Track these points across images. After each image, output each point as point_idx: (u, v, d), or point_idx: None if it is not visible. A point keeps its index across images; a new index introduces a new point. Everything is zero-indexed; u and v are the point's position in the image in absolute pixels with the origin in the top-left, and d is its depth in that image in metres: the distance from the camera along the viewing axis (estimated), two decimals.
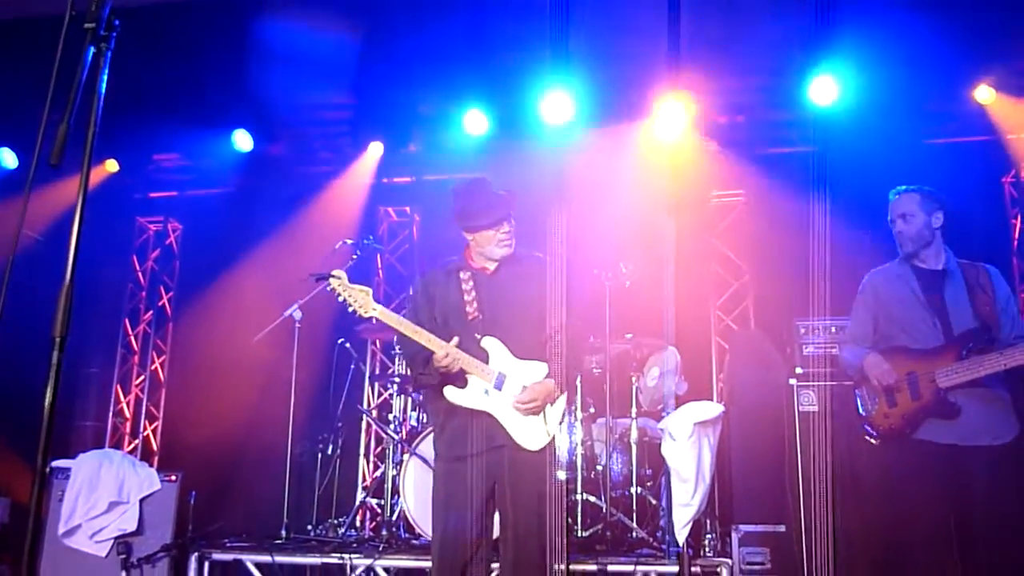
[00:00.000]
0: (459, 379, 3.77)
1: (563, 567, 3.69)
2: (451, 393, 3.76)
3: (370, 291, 3.74)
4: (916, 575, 3.75)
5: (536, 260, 3.97)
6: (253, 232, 7.23)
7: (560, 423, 3.87)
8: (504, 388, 3.78)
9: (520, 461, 3.74)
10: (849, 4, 5.36)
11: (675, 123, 6.69)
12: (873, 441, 3.93)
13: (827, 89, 6.17)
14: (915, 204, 4.01)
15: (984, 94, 6.23)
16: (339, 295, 3.71)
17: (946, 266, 3.99)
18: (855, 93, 6.23)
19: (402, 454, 5.65)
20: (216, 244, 7.47)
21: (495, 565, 3.89)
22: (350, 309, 3.71)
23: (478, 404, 3.77)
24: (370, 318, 3.76)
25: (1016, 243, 7.01)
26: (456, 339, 3.70)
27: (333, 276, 3.72)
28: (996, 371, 3.73)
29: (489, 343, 3.82)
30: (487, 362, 3.80)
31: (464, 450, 3.75)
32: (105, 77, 2.13)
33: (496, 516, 3.83)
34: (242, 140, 7.09)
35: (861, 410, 3.97)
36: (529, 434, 3.76)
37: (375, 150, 7.16)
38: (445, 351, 3.66)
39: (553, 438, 3.79)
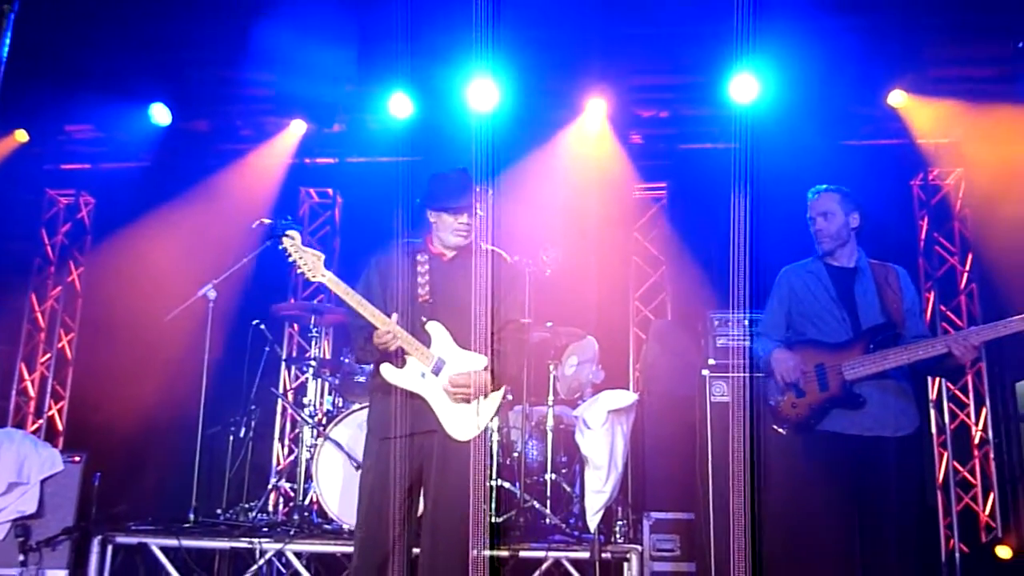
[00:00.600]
0: (398, 358, 3.76)
1: (485, 555, 3.72)
2: (387, 371, 3.75)
3: (322, 256, 3.70)
4: (821, 563, 3.84)
5: (495, 256, 3.98)
6: (169, 209, 7.04)
7: (492, 418, 3.88)
8: (441, 374, 3.77)
9: (449, 449, 3.75)
10: (771, 4, 5.45)
11: (599, 115, 6.73)
12: (781, 431, 4.02)
13: (748, 87, 6.27)
14: (835, 203, 4.11)
15: (897, 98, 6.40)
16: (289, 255, 3.65)
17: (857, 264, 4.11)
18: (776, 92, 6.36)
19: (316, 438, 5.58)
20: (130, 220, 7.24)
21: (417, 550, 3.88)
22: (298, 271, 3.68)
23: (413, 386, 3.76)
24: (315, 284, 3.78)
25: (923, 244, 7.26)
26: (396, 315, 3.70)
27: (287, 235, 3.68)
28: (901, 365, 3.86)
29: (433, 327, 3.81)
30: (429, 346, 3.79)
31: (395, 430, 3.74)
32: (7, 40, 2.02)
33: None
34: (160, 114, 6.89)
35: (770, 400, 4.06)
36: (459, 423, 3.76)
37: (297, 128, 7.03)
38: (387, 327, 3.66)
39: (485, 432, 3.79)
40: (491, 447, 5.41)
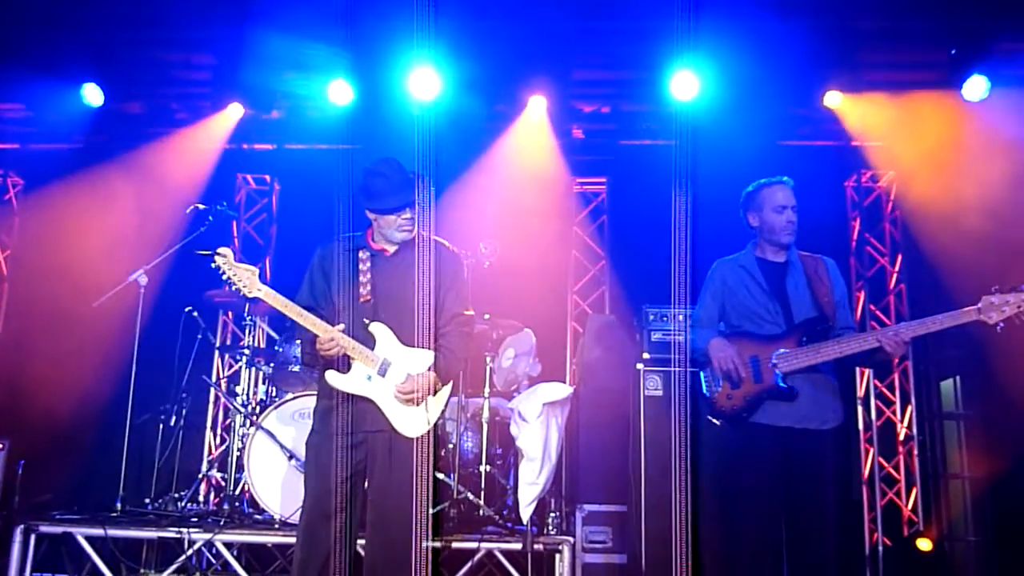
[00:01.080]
0: (343, 363, 3.75)
1: (430, 547, 3.73)
2: (332, 378, 3.74)
3: (256, 271, 3.69)
4: (750, 553, 3.91)
5: (438, 247, 3.96)
6: (100, 191, 6.86)
7: (441, 413, 3.89)
8: (388, 375, 3.76)
9: (397, 446, 3.74)
10: (713, 2, 5.51)
11: (541, 109, 6.74)
12: (715, 422, 4.08)
13: (689, 84, 6.31)
14: (793, 196, 4.17)
15: (833, 99, 6.51)
16: (223, 273, 3.65)
17: (788, 258, 4.18)
18: (716, 90, 6.40)
19: (249, 428, 5.51)
20: (60, 202, 7.05)
21: (361, 541, 3.86)
22: (233, 288, 3.67)
23: (359, 390, 3.75)
24: (255, 299, 3.70)
25: (854, 244, 7.42)
26: (342, 325, 3.69)
27: (219, 253, 3.65)
28: (832, 359, 3.94)
29: (377, 328, 3.79)
30: (373, 347, 3.77)
31: (340, 427, 3.74)
32: None
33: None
34: (92, 94, 6.70)
35: (705, 391, 4.10)
36: (408, 422, 3.76)
37: (234, 111, 6.87)
38: (328, 335, 3.65)
39: (434, 427, 3.80)
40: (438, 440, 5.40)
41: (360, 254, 3.87)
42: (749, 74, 6.34)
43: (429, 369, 3.80)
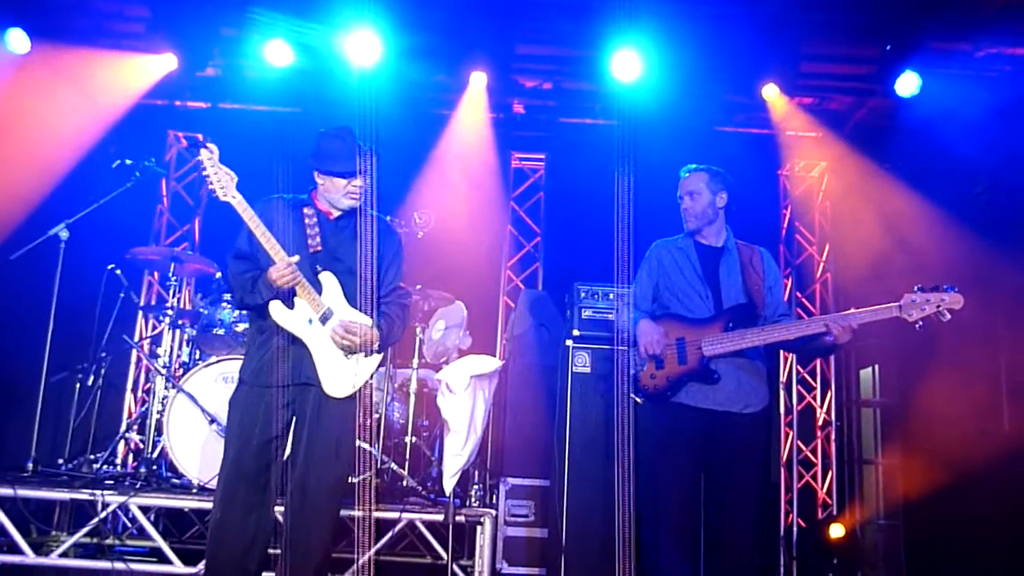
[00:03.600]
0: (287, 300, 3.71)
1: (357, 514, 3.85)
2: (277, 310, 3.69)
3: (236, 178, 3.60)
4: (668, 530, 3.95)
5: (380, 221, 3.95)
6: (21, 140, 6.59)
7: (368, 380, 3.86)
8: (327, 324, 3.74)
9: (324, 405, 3.73)
10: None
11: (482, 81, 6.68)
12: (638, 400, 4.12)
13: (631, 65, 6.31)
14: (703, 183, 4.20)
15: (769, 91, 6.58)
16: (204, 169, 3.58)
17: (725, 244, 4.22)
18: (657, 73, 6.41)
19: (170, 390, 5.39)
20: None
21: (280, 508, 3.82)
22: (210, 187, 3.57)
23: (299, 330, 3.71)
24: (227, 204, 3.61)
25: (784, 232, 7.57)
26: (297, 256, 3.63)
27: (206, 147, 3.58)
28: (756, 345, 4.00)
29: (326, 279, 3.78)
30: (320, 295, 3.75)
31: (269, 379, 3.69)
32: None
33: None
34: (17, 40, 6.43)
35: (632, 369, 4.14)
36: (336, 379, 3.74)
37: (167, 62, 6.62)
38: (287, 261, 3.58)
39: (359, 393, 3.79)
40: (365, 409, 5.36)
41: (305, 210, 3.84)
42: (690, 58, 6.36)
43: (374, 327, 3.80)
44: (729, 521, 3.96)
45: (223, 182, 3.58)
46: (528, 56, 6.82)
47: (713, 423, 3.99)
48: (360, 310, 3.80)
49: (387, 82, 6.51)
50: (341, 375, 3.75)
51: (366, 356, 3.80)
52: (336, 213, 3.89)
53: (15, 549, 4.73)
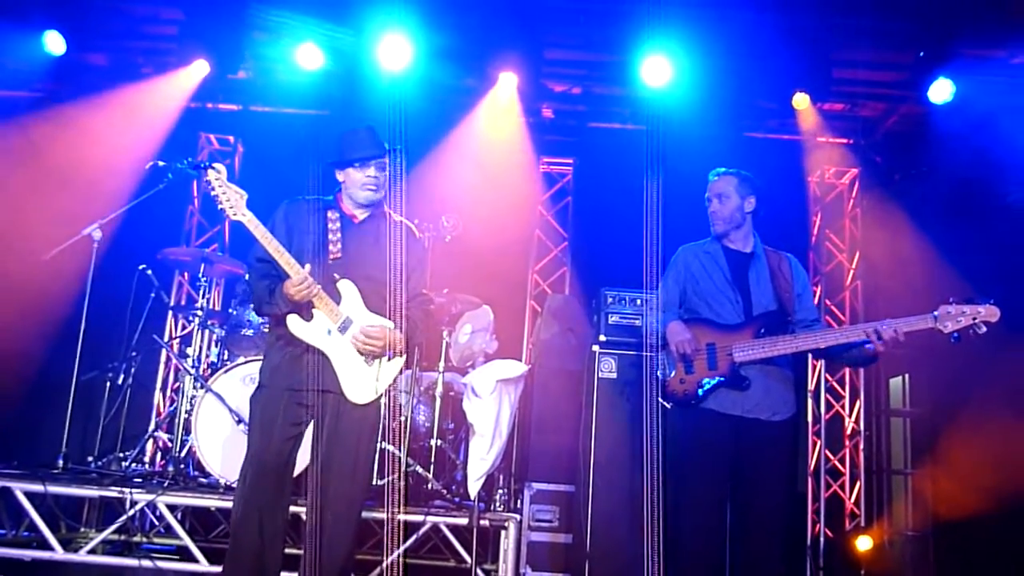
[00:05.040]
0: (305, 312, 3.70)
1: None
2: (294, 323, 3.67)
3: (245, 195, 3.58)
4: (693, 538, 3.93)
5: (406, 228, 3.94)
6: (58, 142, 6.69)
7: (391, 384, 3.85)
8: (347, 333, 3.73)
9: (345, 412, 3.72)
10: None
11: (511, 85, 6.69)
12: (666, 405, 4.10)
13: (661, 70, 6.31)
14: (731, 186, 4.18)
15: (800, 99, 6.51)
16: (212, 189, 3.55)
17: (753, 249, 4.19)
18: (688, 78, 6.41)
19: (198, 390, 5.43)
20: (14, 151, 6.86)
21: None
22: (220, 207, 3.56)
23: (318, 341, 3.70)
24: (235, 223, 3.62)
25: (814, 239, 7.50)
26: (309, 266, 3.60)
27: (213, 168, 3.57)
28: (787, 353, 3.97)
29: (345, 286, 3.75)
30: (339, 303, 3.73)
31: (288, 382, 3.70)
32: None
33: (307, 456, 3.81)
34: (54, 42, 6.52)
35: (660, 374, 4.12)
36: (357, 385, 3.73)
37: (199, 68, 6.68)
38: (303, 276, 3.56)
39: (380, 398, 3.78)
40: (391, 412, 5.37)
41: (330, 214, 3.81)
42: (721, 64, 6.35)
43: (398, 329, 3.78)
44: (756, 529, 3.93)
45: (232, 200, 3.57)
46: (558, 61, 6.84)
47: (741, 430, 3.96)
48: (388, 315, 3.79)
49: (416, 85, 6.55)
50: (362, 381, 3.74)
51: (388, 360, 3.78)
52: (361, 215, 3.87)
53: (45, 545, 4.77)
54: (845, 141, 7.13)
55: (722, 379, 3.98)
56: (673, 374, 4.05)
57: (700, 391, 3.99)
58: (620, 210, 5.51)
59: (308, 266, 3.60)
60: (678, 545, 3.99)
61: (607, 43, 6.49)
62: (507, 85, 6.67)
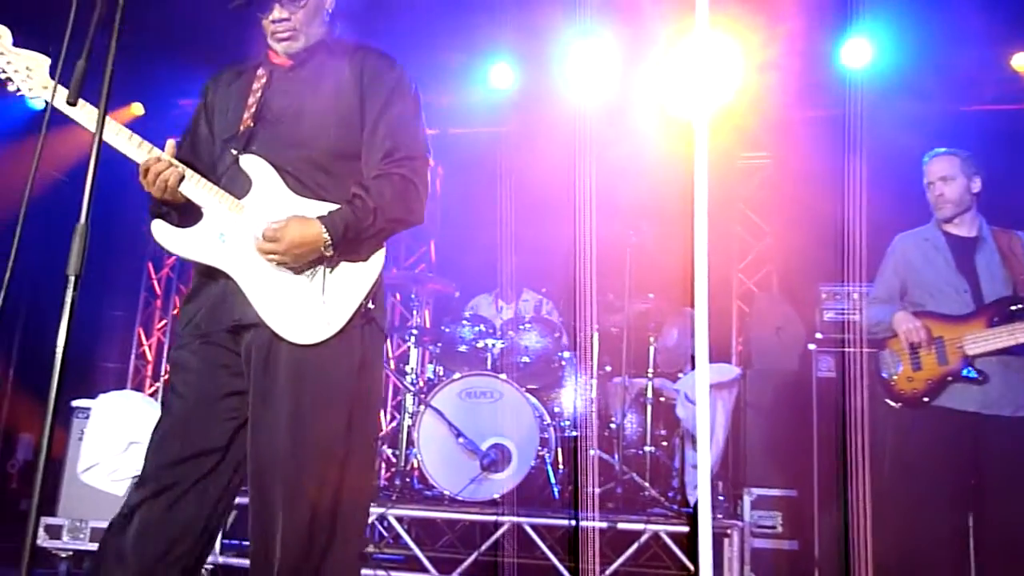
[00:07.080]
0: (190, 214, 2.45)
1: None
2: (162, 232, 2.42)
3: (48, 61, 2.40)
4: (929, 543, 3.72)
5: (357, 49, 2.62)
6: None
7: (364, 308, 2.41)
8: (250, 235, 2.42)
9: (278, 357, 2.36)
10: None
11: (708, 82, 6.57)
12: (893, 405, 3.89)
13: (861, 52, 6.05)
14: (956, 167, 3.93)
15: (1021, 61, 6.07)
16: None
17: (979, 233, 3.93)
18: (889, 57, 6.12)
19: (418, 406, 5.68)
20: None
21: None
22: (10, 88, 2.40)
23: (205, 255, 2.43)
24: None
25: None
26: (170, 143, 2.45)
27: None
28: None
29: (251, 164, 2.46)
30: (247, 192, 2.46)
31: (200, 327, 2.47)
32: (119, 14, 2.02)
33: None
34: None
35: (883, 373, 3.92)
36: (290, 315, 2.35)
37: None
38: (156, 156, 2.38)
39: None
40: (589, 418, 5.41)
41: (259, 71, 2.59)
42: (925, 38, 5.98)
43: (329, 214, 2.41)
44: (1002, 540, 3.65)
45: (26, 71, 2.39)
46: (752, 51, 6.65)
47: (981, 428, 3.70)
48: (329, 195, 2.46)
49: (603, 92, 6.57)
50: (299, 307, 2.36)
51: (330, 271, 2.40)
52: (289, 61, 2.59)
53: None
54: None
55: (954, 374, 3.74)
56: (900, 372, 3.85)
57: (929, 389, 3.76)
58: (823, 200, 5.30)
59: (170, 143, 2.44)
60: (914, 554, 3.78)
61: (801, 29, 6.26)
62: (701, 82, 6.54)
